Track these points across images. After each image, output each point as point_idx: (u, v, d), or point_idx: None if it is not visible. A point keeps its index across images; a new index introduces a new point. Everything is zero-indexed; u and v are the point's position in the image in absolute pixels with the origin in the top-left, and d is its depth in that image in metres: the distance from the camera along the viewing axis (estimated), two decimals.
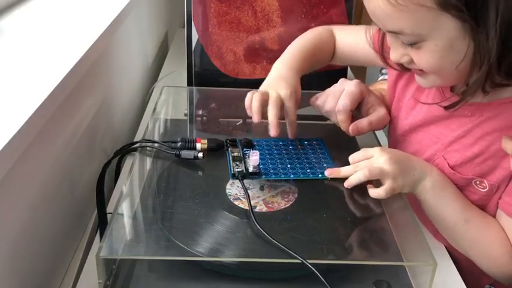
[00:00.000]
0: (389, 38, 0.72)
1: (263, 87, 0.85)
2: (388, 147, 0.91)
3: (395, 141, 0.87)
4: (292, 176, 0.79)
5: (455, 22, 0.64)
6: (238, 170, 0.78)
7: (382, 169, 0.72)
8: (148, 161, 0.85)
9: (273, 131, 0.79)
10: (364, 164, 0.74)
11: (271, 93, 0.81)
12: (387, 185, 0.72)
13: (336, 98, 0.83)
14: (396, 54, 0.72)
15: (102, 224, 0.80)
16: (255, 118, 0.79)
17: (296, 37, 1.06)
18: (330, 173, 0.78)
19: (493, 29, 0.62)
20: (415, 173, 0.73)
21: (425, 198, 0.74)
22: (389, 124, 0.89)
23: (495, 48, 0.63)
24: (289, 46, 0.94)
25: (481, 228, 0.74)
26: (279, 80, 0.85)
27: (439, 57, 0.68)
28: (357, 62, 1.01)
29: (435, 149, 0.78)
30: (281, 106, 0.81)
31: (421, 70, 0.71)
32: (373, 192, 0.73)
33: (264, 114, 0.80)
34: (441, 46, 0.66)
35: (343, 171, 0.77)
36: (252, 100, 0.81)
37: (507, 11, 0.62)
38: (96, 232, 0.81)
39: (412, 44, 0.68)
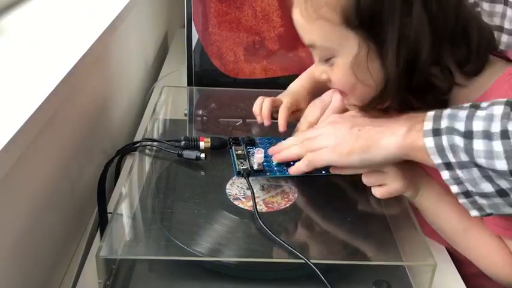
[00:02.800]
0: (312, 54, 0.74)
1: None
2: None
3: None
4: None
5: (359, 40, 0.65)
6: (243, 167, 0.78)
7: (386, 175, 0.71)
8: (149, 161, 0.85)
9: (265, 121, 0.86)
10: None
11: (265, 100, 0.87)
12: (385, 188, 0.71)
13: (322, 111, 0.84)
14: (317, 71, 0.74)
15: (102, 223, 0.80)
16: (265, 122, 0.86)
17: (296, 37, 1.06)
18: (333, 170, 0.76)
19: (392, 48, 0.63)
20: (415, 183, 0.73)
21: (421, 207, 0.74)
22: None
23: (394, 68, 0.64)
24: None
25: (479, 239, 0.73)
26: (286, 93, 0.91)
27: (348, 75, 0.68)
28: None
29: None
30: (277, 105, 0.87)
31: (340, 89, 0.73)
32: (375, 191, 0.72)
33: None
34: (349, 63, 0.67)
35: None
36: (263, 105, 0.87)
37: (404, 29, 0.62)
38: (97, 231, 0.81)
39: (327, 60, 0.70)
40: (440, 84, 0.68)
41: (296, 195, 0.76)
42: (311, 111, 0.83)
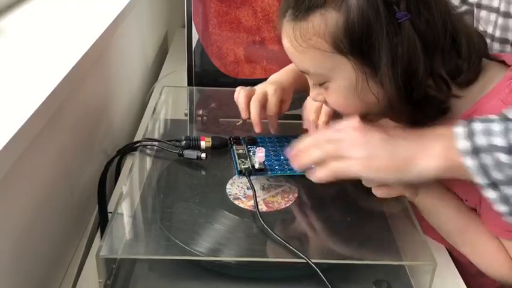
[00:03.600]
0: (307, 78, 0.74)
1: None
2: None
3: None
4: (298, 171, 0.79)
5: (353, 64, 0.65)
6: (244, 166, 0.78)
7: (391, 189, 0.71)
8: (149, 161, 0.85)
9: (256, 128, 0.82)
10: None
11: (256, 90, 0.84)
12: (385, 188, 0.71)
13: (317, 112, 0.84)
14: (312, 93, 0.74)
15: (103, 223, 0.80)
16: (243, 114, 0.83)
17: None
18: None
19: (387, 68, 0.63)
20: (415, 183, 0.72)
21: (420, 207, 0.74)
22: None
23: (393, 87, 0.64)
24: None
25: (478, 239, 0.73)
26: (269, 82, 0.88)
27: (344, 97, 0.69)
28: None
29: None
30: (264, 103, 0.84)
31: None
32: (375, 191, 0.72)
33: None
34: (343, 86, 0.67)
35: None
36: (239, 96, 0.84)
37: (395, 50, 0.62)
38: (97, 231, 0.81)
39: (321, 84, 0.70)
40: (438, 94, 0.67)
41: (296, 195, 0.76)
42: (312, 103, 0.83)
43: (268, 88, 0.85)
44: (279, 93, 0.84)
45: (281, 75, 0.90)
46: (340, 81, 0.67)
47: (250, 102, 0.83)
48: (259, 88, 0.85)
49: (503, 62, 0.72)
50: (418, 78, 0.64)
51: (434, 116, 0.68)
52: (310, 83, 0.73)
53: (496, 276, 0.73)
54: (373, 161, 0.64)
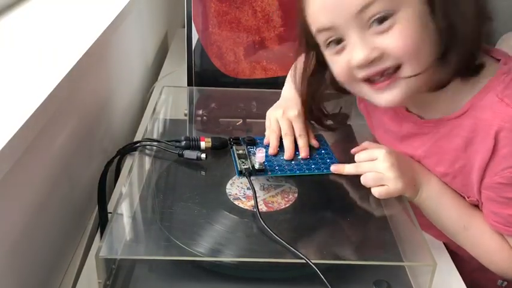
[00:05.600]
0: (353, 37, 0.66)
1: (274, 108, 0.88)
2: None
3: None
4: (297, 172, 0.79)
5: None
6: (244, 167, 0.78)
7: (383, 176, 0.71)
8: (149, 161, 0.85)
9: (286, 155, 0.82)
10: (367, 167, 0.73)
11: (281, 126, 0.84)
12: (384, 191, 0.71)
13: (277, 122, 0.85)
14: (364, 50, 0.65)
15: (102, 223, 0.80)
16: (271, 151, 0.83)
17: (296, 37, 1.06)
18: (335, 169, 0.78)
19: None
20: (415, 183, 0.74)
21: (421, 207, 0.75)
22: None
23: (463, 14, 0.63)
24: (291, 70, 0.95)
25: (480, 235, 0.73)
26: (287, 100, 0.88)
27: (413, 33, 0.64)
28: None
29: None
30: (293, 131, 0.84)
31: (388, 78, 0.67)
32: (374, 191, 0.73)
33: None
34: (412, 20, 0.63)
35: (346, 169, 0.77)
36: (269, 139, 0.84)
37: None
38: (97, 231, 0.81)
39: (382, 20, 0.64)
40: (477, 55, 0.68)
41: (296, 195, 0.76)
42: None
43: (290, 113, 0.84)
44: (302, 117, 0.84)
45: (295, 90, 0.88)
46: (410, 13, 0.63)
47: (284, 140, 0.83)
48: (283, 122, 0.84)
49: (491, 56, 0.71)
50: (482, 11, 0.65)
51: (468, 74, 0.69)
52: (362, 35, 0.65)
53: (499, 271, 0.73)
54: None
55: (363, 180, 0.73)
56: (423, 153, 0.76)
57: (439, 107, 0.73)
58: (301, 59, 0.92)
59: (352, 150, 0.78)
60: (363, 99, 0.81)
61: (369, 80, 0.68)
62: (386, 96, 0.68)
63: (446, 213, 0.74)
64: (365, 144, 0.79)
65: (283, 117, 0.84)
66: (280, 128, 0.84)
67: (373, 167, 0.73)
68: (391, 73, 0.67)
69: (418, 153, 0.76)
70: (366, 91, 0.70)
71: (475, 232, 0.73)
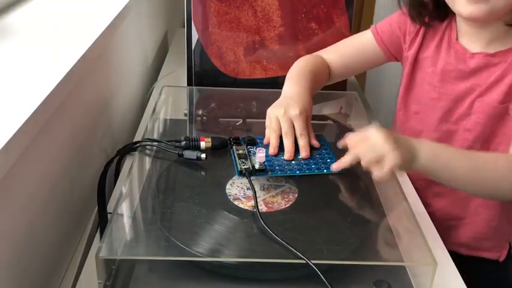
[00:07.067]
0: None
1: (274, 106, 0.87)
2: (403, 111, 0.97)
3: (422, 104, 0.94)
4: (298, 172, 0.79)
5: None
6: (245, 167, 0.78)
7: (381, 152, 0.72)
8: (149, 161, 0.85)
9: (286, 156, 0.82)
10: (363, 149, 0.74)
11: (282, 125, 0.84)
12: (387, 165, 0.71)
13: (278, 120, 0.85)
14: None
15: (102, 223, 0.80)
16: (271, 151, 0.83)
17: (296, 37, 1.07)
18: (337, 166, 0.78)
19: None
20: (410, 149, 0.74)
21: (426, 172, 0.75)
22: (409, 94, 0.95)
23: None
24: (291, 69, 0.96)
25: (492, 166, 0.76)
26: (288, 99, 0.88)
27: None
28: (358, 69, 1.05)
29: (472, 98, 0.86)
30: (294, 130, 0.84)
31: None
32: (376, 174, 0.73)
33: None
34: None
35: (343, 160, 0.77)
36: (270, 139, 0.85)
37: None
38: (97, 231, 0.81)
39: None
40: None
41: (296, 195, 0.76)
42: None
43: (291, 112, 0.84)
44: (303, 116, 0.84)
45: (297, 89, 0.89)
46: None
47: (284, 138, 0.83)
48: (283, 121, 0.84)
49: None
50: None
51: None
52: None
53: None
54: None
55: (365, 164, 0.73)
56: (495, 81, 0.83)
57: (506, 41, 0.84)
58: (302, 59, 0.92)
59: (339, 145, 0.78)
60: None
61: None
62: (473, 8, 0.79)
63: (451, 167, 0.76)
64: (349, 136, 0.79)
65: (284, 116, 0.84)
66: (280, 127, 0.84)
67: (369, 146, 0.73)
68: None
69: (489, 82, 0.84)
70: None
71: (486, 166, 0.76)
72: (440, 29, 0.91)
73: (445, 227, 0.91)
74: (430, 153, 0.74)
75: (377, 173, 0.72)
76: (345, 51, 1.01)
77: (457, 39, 0.88)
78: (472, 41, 0.86)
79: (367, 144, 0.73)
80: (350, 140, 0.76)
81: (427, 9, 0.89)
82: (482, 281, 0.82)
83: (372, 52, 0.98)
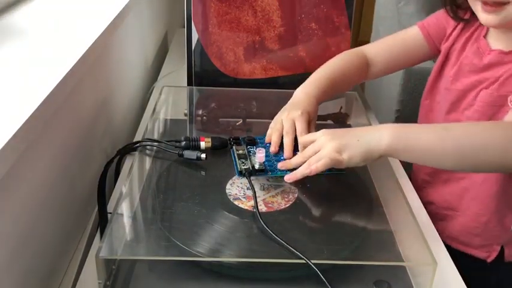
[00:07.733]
0: None
1: (281, 111, 0.88)
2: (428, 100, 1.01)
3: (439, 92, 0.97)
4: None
5: None
6: (245, 167, 0.78)
7: (328, 156, 0.73)
8: (149, 161, 0.85)
9: (285, 154, 0.82)
10: (314, 159, 0.74)
11: (284, 124, 0.85)
12: (322, 155, 0.73)
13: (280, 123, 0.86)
14: None
15: (102, 223, 0.80)
16: (272, 149, 0.84)
17: (296, 37, 1.07)
18: (281, 166, 0.79)
19: None
20: (358, 139, 0.74)
21: (397, 152, 0.74)
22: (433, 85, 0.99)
23: None
24: (316, 71, 0.97)
25: (466, 125, 0.81)
26: (293, 104, 0.89)
27: None
28: (402, 63, 1.07)
29: (477, 90, 0.89)
30: (295, 130, 0.84)
31: (497, 6, 0.81)
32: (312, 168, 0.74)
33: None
34: None
35: (293, 162, 0.78)
36: (271, 135, 0.86)
37: None
38: (97, 231, 0.81)
39: None
40: None
41: (296, 195, 0.76)
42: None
43: (293, 114, 0.85)
44: (304, 117, 0.85)
45: (303, 96, 0.90)
46: None
47: (284, 138, 0.84)
48: (285, 121, 0.85)
49: None
50: None
51: None
52: None
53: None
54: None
55: (319, 167, 0.73)
56: (507, 75, 0.85)
57: None
58: (334, 59, 0.99)
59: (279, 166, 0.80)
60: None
61: (485, 1, 0.84)
62: (488, 17, 0.84)
63: (421, 134, 0.75)
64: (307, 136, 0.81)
65: (287, 117, 0.85)
66: (283, 127, 0.85)
67: (312, 145, 0.76)
68: (499, 3, 0.82)
69: (498, 75, 0.86)
70: (478, 8, 0.85)
71: (459, 130, 0.76)
72: (475, 24, 0.94)
73: (440, 216, 0.95)
74: (392, 131, 0.74)
75: (312, 169, 0.73)
76: (390, 44, 1.03)
77: (485, 35, 0.91)
78: (496, 39, 0.90)
79: (315, 146, 0.75)
80: (301, 142, 0.79)
81: (461, 7, 0.94)
82: (470, 279, 0.82)
83: (418, 45, 1.00)
